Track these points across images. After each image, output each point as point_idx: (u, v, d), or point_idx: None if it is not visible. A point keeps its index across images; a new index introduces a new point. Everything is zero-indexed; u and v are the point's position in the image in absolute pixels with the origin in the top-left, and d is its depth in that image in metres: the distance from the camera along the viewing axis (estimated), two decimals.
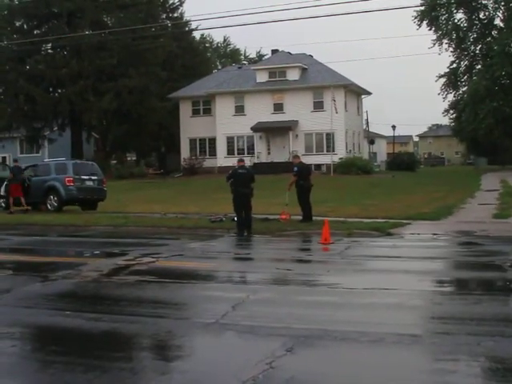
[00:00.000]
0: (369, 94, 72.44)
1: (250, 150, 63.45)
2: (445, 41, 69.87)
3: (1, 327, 9.09)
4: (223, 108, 64.85)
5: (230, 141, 65.01)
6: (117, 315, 9.53)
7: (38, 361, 7.72)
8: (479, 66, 71.39)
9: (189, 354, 7.93)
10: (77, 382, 6.78)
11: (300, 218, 23.78)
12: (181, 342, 8.36)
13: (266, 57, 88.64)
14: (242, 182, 21.67)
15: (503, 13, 68.28)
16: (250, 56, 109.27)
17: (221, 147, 65.05)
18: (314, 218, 23.58)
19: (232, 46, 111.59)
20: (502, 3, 66.93)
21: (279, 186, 32.89)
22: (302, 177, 24.14)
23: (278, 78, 64.35)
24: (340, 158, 59.69)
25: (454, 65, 71.66)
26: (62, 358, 7.67)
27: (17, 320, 9.49)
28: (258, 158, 62.00)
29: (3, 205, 32.50)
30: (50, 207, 31.45)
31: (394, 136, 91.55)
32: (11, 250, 18.82)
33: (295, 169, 24.39)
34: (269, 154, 63.24)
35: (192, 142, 68.09)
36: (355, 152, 66.05)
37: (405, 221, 23.40)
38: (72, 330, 9.00)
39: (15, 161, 34.36)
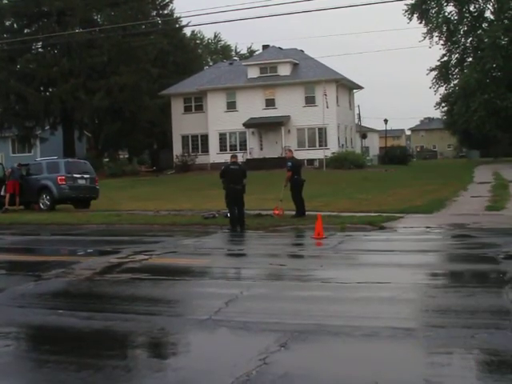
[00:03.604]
0: (360, 88, 72.46)
1: (243, 145, 63.45)
2: (435, 34, 69.96)
3: None
4: (215, 104, 64.82)
5: (222, 137, 65.01)
6: (110, 313, 9.50)
7: (31, 360, 7.69)
8: (470, 59, 71.49)
9: (182, 351, 7.92)
10: (70, 380, 6.76)
11: (293, 213, 23.77)
12: (174, 339, 8.34)
13: (256, 52, 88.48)
14: (234, 178, 21.66)
15: (493, 5, 68.41)
16: (241, 52, 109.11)
17: (213, 143, 65.03)
18: (307, 212, 23.59)
19: (223, 42, 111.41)
20: None
21: (272, 182, 32.94)
22: (296, 171, 24.13)
23: (269, 74, 64.31)
24: (332, 153, 59.69)
25: (445, 58, 71.74)
26: (56, 356, 7.65)
27: (10, 320, 9.46)
28: (250, 153, 61.97)
29: None
30: (42, 206, 31.45)
31: (386, 130, 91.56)
32: (5, 250, 18.72)
33: (289, 164, 24.31)
34: (261, 149, 63.23)
35: (184, 138, 68.06)
36: (347, 146, 66.09)
37: (398, 214, 23.42)
38: (66, 328, 8.97)
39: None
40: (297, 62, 65.59)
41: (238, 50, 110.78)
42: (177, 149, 67.84)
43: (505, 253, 14.11)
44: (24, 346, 8.60)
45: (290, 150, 26.86)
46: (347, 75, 66.06)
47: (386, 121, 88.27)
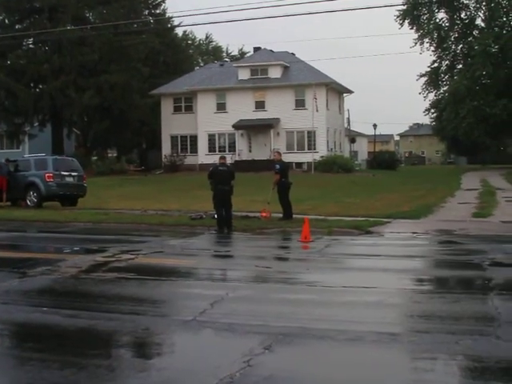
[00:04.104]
0: (350, 92, 72.53)
1: (232, 147, 63.36)
2: (426, 40, 70.16)
3: None
4: (205, 105, 64.73)
5: (211, 138, 64.90)
6: (95, 312, 9.48)
7: (14, 357, 7.67)
8: (460, 66, 71.77)
9: (166, 352, 7.91)
10: (53, 378, 6.74)
11: (280, 215, 23.77)
12: (158, 340, 8.33)
13: (248, 54, 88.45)
14: (222, 179, 21.66)
15: (484, 13, 68.63)
16: (232, 53, 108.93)
17: (202, 144, 64.94)
18: (294, 215, 23.58)
19: (214, 43, 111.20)
20: (484, 3, 67.29)
21: (260, 184, 32.92)
22: (283, 174, 24.15)
23: (259, 76, 64.30)
24: (321, 157, 59.73)
25: (435, 64, 71.96)
26: (39, 354, 7.62)
27: None
28: (239, 155, 61.92)
29: None
30: (29, 203, 31.34)
31: (375, 135, 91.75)
32: None
33: (277, 166, 24.30)
34: (250, 151, 63.16)
35: (173, 138, 67.94)
36: (336, 150, 66.15)
37: (385, 219, 23.44)
38: (49, 326, 8.96)
39: None
40: (287, 64, 65.59)
41: (229, 52, 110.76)
42: (166, 149, 67.72)
43: (490, 259, 14.16)
44: (7, 343, 8.55)
45: (279, 153, 26.86)
46: (337, 79, 66.17)
47: (375, 126, 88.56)
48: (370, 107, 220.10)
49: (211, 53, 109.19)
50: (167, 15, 74.97)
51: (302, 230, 18.42)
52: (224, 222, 21.46)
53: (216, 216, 21.96)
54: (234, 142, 63.42)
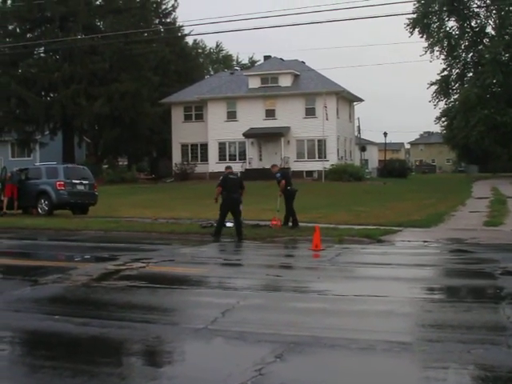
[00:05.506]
0: (361, 100, 72.47)
1: (242, 155, 63.46)
2: (436, 48, 70.26)
3: None
4: (215, 113, 64.84)
5: (221, 146, 65.00)
6: (106, 320, 9.49)
7: (26, 365, 7.68)
8: (470, 74, 71.76)
9: (177, 360, 7.91)
10: None
11: (290, 224, 23.76)
12: (170, 348, 8.33)
13: (258, 63, 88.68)
14: (232, 187, 21.72)
15: (495, 21, 68.68)
16: (243, 62, 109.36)
17: (212, 153, 65.03)
18: (304, 224, 23.55)
19: (224, 51, 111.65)
20: (494, 11, 67.36)
21: (270, 193, 32.93)
22: (287, 182, 24.21)
23: (270, 84, 64.39)
24: (331, 165, 59.69)
25: (446, 72, 71.99)
26: (51, 362, 7.64)
27: (6, 324, 9.44)
28: (249, 164, 61.97)
29: None
30: (40, 211, 31.46)
31: (385, 143, 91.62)
32: (2, 254, 18.72)
33: (278, 175, 24.35)
34: (260, 160, 63.20)
35: (184, 147, 68.09)
36: (347, 159, 66.13)
37: (396, 228, 23.39)
38: (61, 334, 8.96)
39: None
40: (298, 73, 65.67)
41: (239, 60, 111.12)
42: (176, 157, 67.87)
43: (502, 268, 14.10)
44: (19, 350, 8.58)
45: (275, 165, 26.65)
46: (348, 87, 66.15)
47: (385, 134, 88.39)
48: (380, 115, 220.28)
49: (221, 61, 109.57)
50: (177, 24, 75.25)
51: (312, 238, 18.39)
52: (220, 231, 21.58)
53: (216, 223, 21.99)
54: (245, 151, 63.51)
